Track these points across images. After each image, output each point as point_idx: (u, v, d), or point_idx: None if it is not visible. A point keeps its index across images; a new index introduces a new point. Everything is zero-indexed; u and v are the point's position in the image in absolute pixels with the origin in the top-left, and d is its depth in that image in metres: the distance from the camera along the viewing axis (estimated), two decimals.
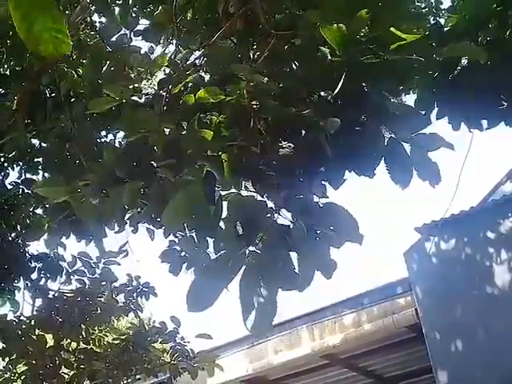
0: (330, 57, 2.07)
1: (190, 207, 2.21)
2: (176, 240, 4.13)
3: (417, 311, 6.94)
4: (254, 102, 2.28)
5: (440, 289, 6.86)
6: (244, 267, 2.05)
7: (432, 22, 3.34)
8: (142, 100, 3.29)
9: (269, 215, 2.26)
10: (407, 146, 2.28)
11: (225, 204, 2.30)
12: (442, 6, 6.68)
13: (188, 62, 3.60)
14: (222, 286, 2.03)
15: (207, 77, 3.45)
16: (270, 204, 2.32)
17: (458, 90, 2.60)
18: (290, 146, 2.20)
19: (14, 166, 4.79)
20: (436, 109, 2.59)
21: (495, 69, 2.51)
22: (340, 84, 2.08)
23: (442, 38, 2.59)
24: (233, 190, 2.41)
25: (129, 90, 2.76)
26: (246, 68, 2.40)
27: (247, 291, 2.02)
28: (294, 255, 2.18)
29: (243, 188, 2.39)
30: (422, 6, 6.71)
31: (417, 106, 2.58)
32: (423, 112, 2.50)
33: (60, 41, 1.15)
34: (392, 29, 2.08)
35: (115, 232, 4.27)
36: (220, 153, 2.25)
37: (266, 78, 2.32)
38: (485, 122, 2.81)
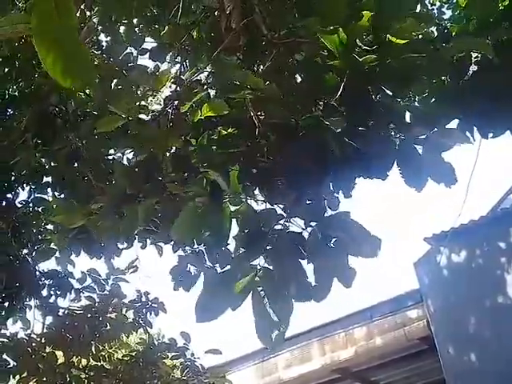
0: (329, 61, 2.06)
1: (199, 220, 2.21)
2: (184, 255, 4.15)
3: (428, 323, 6.87)
4: (258, 110, 2.28)
5: (452, 299, 6.80)
6: (255, 280, 2.03)
7: (436, 27, 3.34)
8: (149, 117, 3.34)
9: (279, 223, 2.22)
10: (419, 148, 2.22)
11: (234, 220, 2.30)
12: (445, 16, 6.73)
13: (194, 80, 3.65)
14: (231, 299, 2.02)
15: (213, 92, 3.49)
16: (280, 212, 2.29)
17: (467, 97, 2.57)
18: (297, 147, 2.15)
19: (24, 185, 4.84)
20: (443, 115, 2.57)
21: (504, 73, 2.48)
22: (341, 87, 2.05)
23: (448, 41, 2.57)
24: (242, 203, 2.40)
25: (135, 107, 2.80)
26: (249, 74, 2.38)
27: (259, 304, 2.00)
28: (309, 264, 2.14)
29: (252, 199, 2.39)
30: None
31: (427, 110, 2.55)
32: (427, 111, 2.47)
33: (85, 73, 1.18)
34: (396, 26, 2.06)
35: (124, 248, 4.31)
36: (227, 163, 2.24)
37: (271, 84, 2.30)
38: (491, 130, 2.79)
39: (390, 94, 2.25)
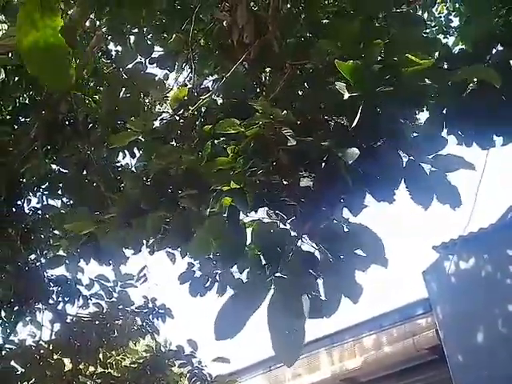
0: (347, 92, 2.09)
1: (216, 238, 2.25)
2: (194, 262, 4.15)
3: (438, 332, 6.80)
4: (272, 133, 2.31)
5: (461, 308, 6.72)
6: (271, 293, 2.05)
7: (442, 44, 3.38)
8: (158, 123, 3.38)
9: (293, 242, 2.26)
10: (427, 168, 2.27)
11: (248, 230, 2.32)
12: (452, 24, 6.75)
13: (201, 87, 3.68)
14: (249, 313, 2.02)
15: (220, 100, 3.52)
16: (293, 231, 2.33)
17: (469, 109, 2.60)
18: (310, 176, 2.22)
19: (35, 191, 4.88)
20: (446, 129, 2.60)
21: (505, 88, 2.51)
22: (357, 117, 2.10)
23: (451, 61, 2.61)
24: (256, 217, 2.44)
25: (150, 124, 2.86)
26: (265, 103, 2.44)
27: (275, 318, 2.00)
28: (319, 281, 2.18)
29: (265, 215, 2.42)
30: (433, 25, 6.79)
31: (426, 126, 2.59)
32: (433, 132, 2.51)
33: (63, 70, 1.20)
34: (408, 55, 2.10)
35: (133, 253, 4.32)
36: (243, 185, 2.29)
37: (285, 111, 2.35)
38: (499, 139, 2.80)
39: (400, 116, 2.30)
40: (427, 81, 2.16)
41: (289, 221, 2.30)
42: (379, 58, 2.32)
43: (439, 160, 2.26)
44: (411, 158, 2.25)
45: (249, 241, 2.27)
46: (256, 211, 2.36)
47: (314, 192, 2.19)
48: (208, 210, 2.51)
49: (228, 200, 2.31)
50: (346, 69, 2.08)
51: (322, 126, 2.46)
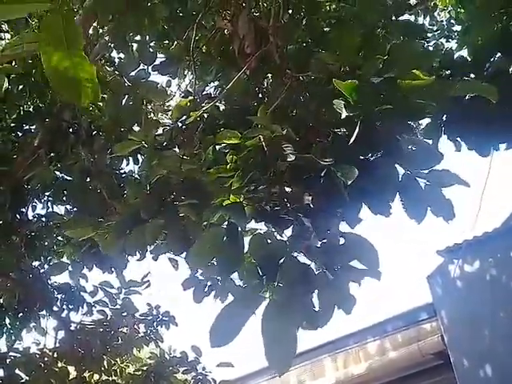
0: (344, 111, 2.10)
1: (215, 249, 2.27)
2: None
3: (443, 337, 6.76)
4: (271, 147, 2.32)
5: (466, 313, 6.69)
6: (267, 302, 2.06)
7: (442, 51, 3.39)
8: (160, 131, 3.40)
9: (289, 253, 2.27)
10: (422, 182, 2.28)
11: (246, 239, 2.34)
12: (454, 28, 6.75)
13: (203, 93, 3.71)
14: (243, 321, 2.03)
15: (222, 106, 3.54)
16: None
17: (468, 116, 2.61)
18: (309, 192, 2.24)
19: (39, 198, 4.90)
20: (445, 135, 2.61)
21: (505, 96, 2.52)
22: (355, 133, 2.10)
23: (452, 68, 2.63)
24: (253, 227, 2.45)
25: (152, 135, 2.90)
26: (265, 118, 2.45)
27: (269, 326, 2.01)
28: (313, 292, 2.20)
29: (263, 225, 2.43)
30: (435, 29, 6.80)
31: (424, 134, 2.60)
32: (430, 140, 2.52)
33: (91, 90, 1.22)
34: (412, 71, 2.10)
35: (137, 260, 4.33)
36: (241, 199, 2.31)
37: (285, 129, 2.36)
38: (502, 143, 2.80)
39: (398, 129, 2.31)
40: (426, 97, 2.17)
41: (286, 237, 2.32)
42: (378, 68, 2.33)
43: (434, 175, 2.27)
44: (407, 171, 2.26)
45: (246, 248, 2.28)
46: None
47: (312, 208, 2.21)
48: (206, 221, 2.54)
49: (226, 215, 2.33)
50: (344, 88, 2.08)
51: (321, 136, 2.47)
